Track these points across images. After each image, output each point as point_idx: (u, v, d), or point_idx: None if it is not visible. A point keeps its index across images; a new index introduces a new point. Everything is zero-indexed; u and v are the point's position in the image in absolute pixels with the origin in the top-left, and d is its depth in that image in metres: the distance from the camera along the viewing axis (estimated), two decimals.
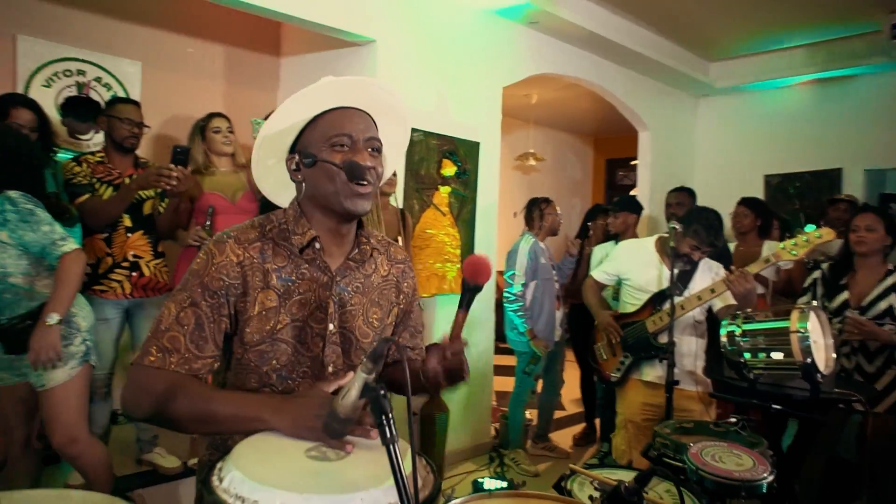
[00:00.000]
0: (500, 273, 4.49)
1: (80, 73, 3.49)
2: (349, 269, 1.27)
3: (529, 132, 7.78)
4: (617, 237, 3.95)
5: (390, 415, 0.78)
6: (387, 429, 0.76)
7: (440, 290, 3.73)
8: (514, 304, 3.69)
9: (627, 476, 1.48)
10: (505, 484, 2.80)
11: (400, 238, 3.23)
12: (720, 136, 6.02)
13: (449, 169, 3.79)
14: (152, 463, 2.90)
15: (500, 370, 5.47)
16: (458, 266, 3.85)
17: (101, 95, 3.54)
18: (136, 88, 3.68)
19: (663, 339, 2.64)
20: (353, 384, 0.82)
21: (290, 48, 4.24)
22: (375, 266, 1.33)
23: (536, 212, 3.90)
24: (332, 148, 1.18)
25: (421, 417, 3.70)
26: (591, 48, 4.71)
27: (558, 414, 4.81)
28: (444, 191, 3.80)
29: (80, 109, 3.29)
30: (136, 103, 2.87)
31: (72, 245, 2.11)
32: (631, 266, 2.88)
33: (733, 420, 1.86)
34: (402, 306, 1.38)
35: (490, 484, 2.57)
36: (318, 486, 0.82)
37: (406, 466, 0.80)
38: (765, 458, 1.48)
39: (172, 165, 2.57)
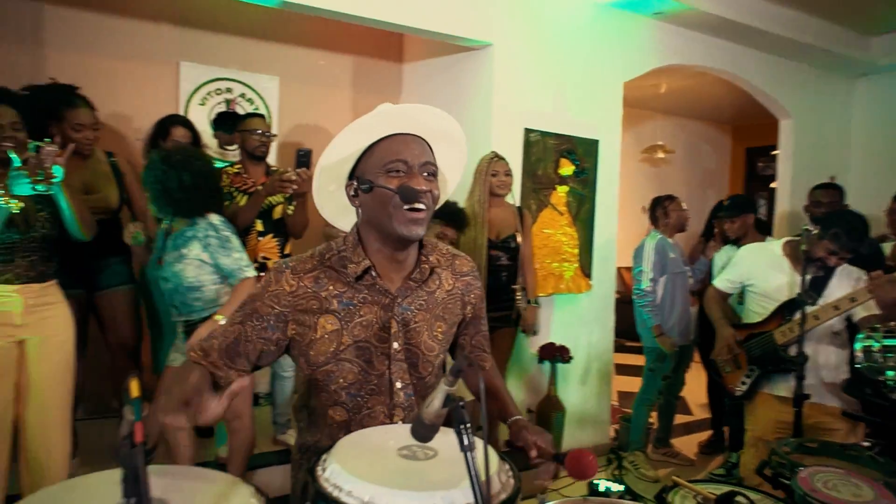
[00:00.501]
0: (628, 269, 4.40)
1: (228, 90, 3.90)
2: (410, 289, 1.30)
3: (657, 123, 7.45)
4: (738, 241, 3.70)
5: (468, 424, 0.84)
6: (464, 437, 0.82)
7: (556, 289, 3.73)
8: (643, 300, 3.62)
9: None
10: (622, 487, 2.75)
11: (518, 235, 3.27)
12: (883, 121, 5.35)
13: (567, 168, 3.77)
14: (286, 443, 3.20)
15: (625, 370, 5.35)
16: (576, 266, 3.83)
17: (245, 109, 3.93)
18: (275, 101, 4.04)
19: (794, 350, 2.46)
20: (437, 394, 0.89)
21: (411, 55, 4.41)
22: (439, 282, 1.34)
23: (660, 210, 3.78)
24: (387, 174, 1.21)
25: (537, 415, 3.74)
26: (724, 35, 4.43)
27: (685, 419, 4.61)
28: (562, 190, 3.78)
29: (227, 123, 3.67)
30: (261, 116, 3.18)
31: (252, 273, 2.43)
32: (756, 271, 2.70)
33: (866, 444, 1.70)
34: (468, 318, 1.42)
35: (606, 486, 2.54)
36: (404, 483, 0.91)
37: (490, 469, 0.86)
38: (892, 493, 1.35)
39: (294, 169, 2.82)
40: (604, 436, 4.14)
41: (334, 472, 0.94)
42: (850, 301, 2.31)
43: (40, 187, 2.03)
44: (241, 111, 3.90)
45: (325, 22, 3.96)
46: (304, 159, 2.88)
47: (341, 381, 1.26)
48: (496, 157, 3.28)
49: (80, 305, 2.75)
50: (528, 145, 3.65)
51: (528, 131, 3.63)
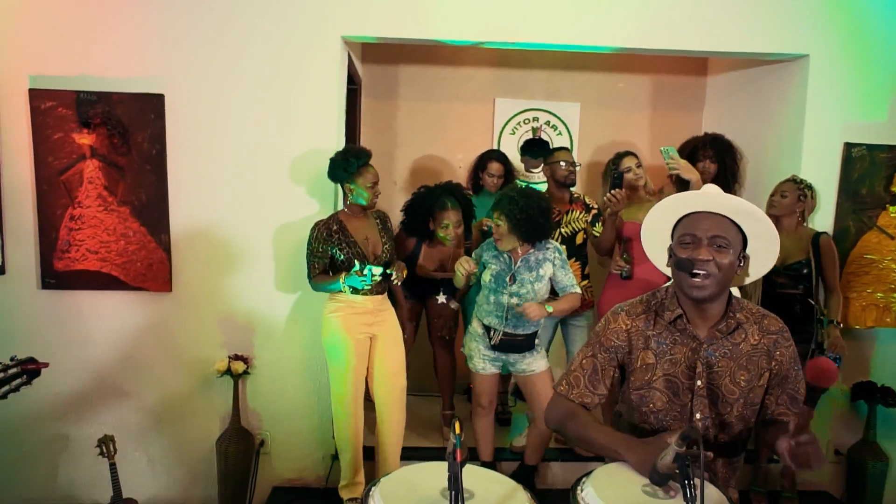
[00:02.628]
0: None
1: (535, 119, 4.35)
2: (716, 337, 1.51)
3: None
4: None
5: (693, 480, 1.01)
6: (687, 490, 1.01)
7: (881, 322, 3.30)
8: None
9: None
10: None
11: (811, 261, 3.02)
12: None
13: None
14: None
15: None
16: None
17: (549, 135, 4.34)
18: (576, 126, 4.37)
19: None
20: (670, 451, 1.08)
21: (716, 67, 4.28)
22: (745, 335, 1.53)
23: None
24: (680, 245, 1.49)
25: (849, 461, 3.38)
26: None
27: None
28: (894, 210, 3.31)
29: (533, 149, 4.10)
30: (566, 149, 3.51)
31: (577, 289, 2.88)
32: None
33: None
34: (774, 371, 1.53)
35: None
36: None
37: None
38: None
39: (610, 191, 3.06)
40: None
41: (589, 494, 1.21)
42: None
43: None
44: (546, 137, 4.33)
45: None
46: (617, 181, 3.12)
47: (651, 405, 1.54)
48: (787, 179, 3.09)
49: (414, 310, 3.52)
50: (849, 161, 3.28)
51: (848, 146, 3.27)
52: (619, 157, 3.40)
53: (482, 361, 2.96)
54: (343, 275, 2.83)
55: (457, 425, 1.01)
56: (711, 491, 1.25)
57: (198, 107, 3.09)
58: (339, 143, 3.22)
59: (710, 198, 1.48)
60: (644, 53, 3.34)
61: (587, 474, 1.30)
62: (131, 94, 3.01)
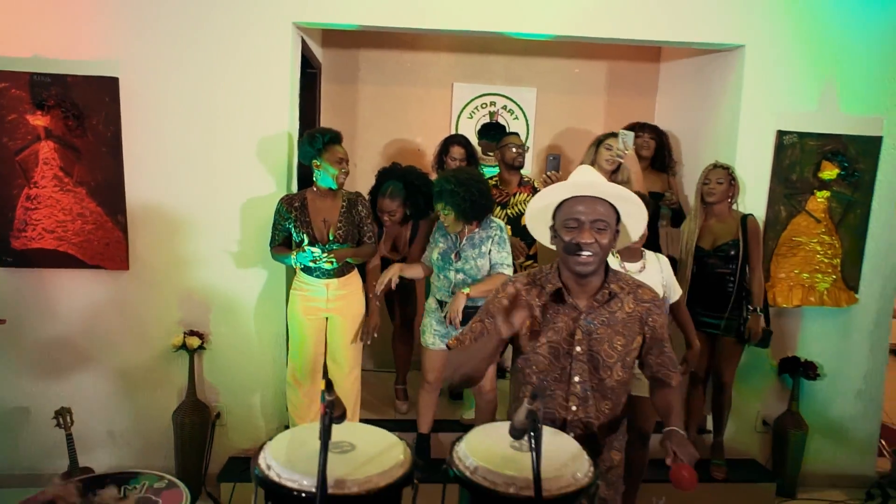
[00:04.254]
0: None
1: (492, 104, 4.47)
2: (594, 307, 1.68)
3: None
4: None
5: (539, 432, 1.16)
6: (532, 441, 1.16)
7: (805, 301, 3.48)
8: None
9: None
10: None
11: (740, 242, 3.19)
12: None
13: (829, 172, 3.45)
14: None
15: None
16: (833, 278, 3.50)
17: (506, 119, 4.46)
18: (532, 110, 4.49)
19: None
20: (523, 408, 1.23)
21: (668, 54, 4.41)
22: (621, 304, 1.70)
23: None
24: (565, 227, 1.64)
25: (774, 430, 3.59)
26: None
27: None
28: (821, 195, 3.48)
29: (490, 132, 4.24)
30: (517, 133, 3.63)
31: (509, 271, 2.96)
32: None
33: None
34: (647, 335, 1.72)
35: None
36: (504, 466, 1.28)
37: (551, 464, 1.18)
38: None
39: (546, 172, 3.21)
40: (867, 466, 3.73)
41: (461, 450, 1.36)
42: None
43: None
44: (502, 121, 4.45)
45: None
46: (554, 163, 3.27)
47: (534, 367, 1.70)
48: (713, 166, 3.24)
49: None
50: (781, 148, 3.44)
51: (781, 133, 3.42)
52: (607, 136, 3.55)
53: (432, 337, 3.11)
54: (295, 251, 2.95)
55: (324, 384, 1.15)
56: (570, 444, 1.41)
57: (153, 90, 3.17)
58: (292, 125, 3.32)
59: (594, 186, 1.63)
60: (589, 41, 3.46)
61: (464, 434, 1.45)
62: (85, 77, 3.09)
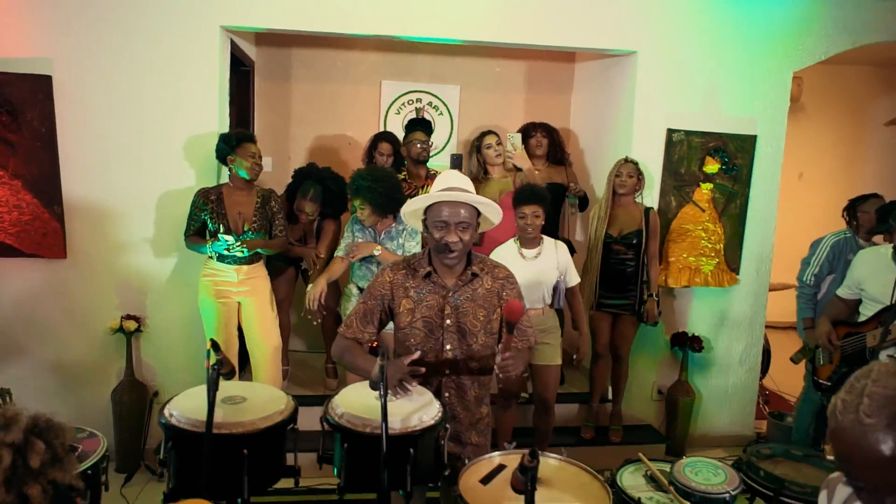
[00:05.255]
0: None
1: (418, 100, 4.76)
2: (459, 286, 2.00)
3: None
4: None
5: (385, 382, 1.48)
6: (381, 387, 1.47)
7: (692, 282, 3.91)
8: (798, 290, 3.65)
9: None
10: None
11: (642, 232, 3.57)
12: None
13: (712, 166, 3.87)
14: None
15: None
16: (717, 261, 3.93)
17: (432, 115, 4.76)
18: (456, 107, 4.80)
19: (885, 356, 2.49)
20: (377, 365, 1.55)
21: (583, 55, 4.76)
22: (482, 282, 2.03)
23: (851, 210, 3.65)
24: (434, 227, 1.93)
25: (667, 398, 4.02)
26: None
27: None
28: (706, 187, 3.90)
29: (416, 128, 4.52)
30: (423, 129, 3.95)
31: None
32: (866, 275, 2.72)
33: None
34: (502, 306, 2.02)
35: None
36: (364, 412, 1.60)
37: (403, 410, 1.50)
38: None
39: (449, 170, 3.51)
40: (746, 427, 4.21)
41: (333, 404, 1.68)
42: None
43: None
44: (428, 117, 4.75)
45: None
46: (456, 162, 3.58)
47: (412, 339, 2.01)
48: (624, 161, 3.61)
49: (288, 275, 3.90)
50: (671, 144, 3.84)
51: (670, 131, 3.82)
52: (483, 135, 3.88)
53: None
54: (210, 241, 3.19)
55: (209, 343, 1.45)
56: (425, 397, 1.74)
57: (87, 89, 3.36)
58: (222, 122, 3.55)
59: (458, 194, 1.93)
60: (502, 46, 3.78)
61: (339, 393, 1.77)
62: (18, 75, 3.26)
